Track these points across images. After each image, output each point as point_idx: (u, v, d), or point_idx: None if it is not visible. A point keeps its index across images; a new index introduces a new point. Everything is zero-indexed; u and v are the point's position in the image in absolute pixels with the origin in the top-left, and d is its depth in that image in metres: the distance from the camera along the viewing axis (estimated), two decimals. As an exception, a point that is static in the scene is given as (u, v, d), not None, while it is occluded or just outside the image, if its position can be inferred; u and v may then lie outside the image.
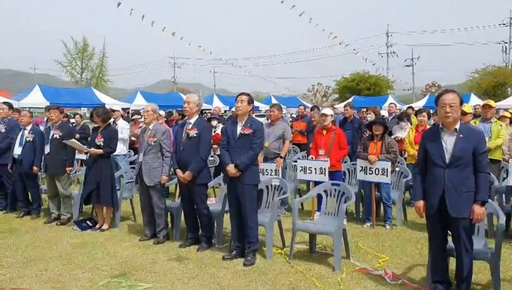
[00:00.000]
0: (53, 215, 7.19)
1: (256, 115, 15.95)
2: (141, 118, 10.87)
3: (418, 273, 4.82)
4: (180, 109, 13.94)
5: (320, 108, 10.36)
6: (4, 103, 8.38)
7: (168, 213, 6.32)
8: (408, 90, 58.92)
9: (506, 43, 47.23)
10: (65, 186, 7.08)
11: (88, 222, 6.89)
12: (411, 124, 9.55)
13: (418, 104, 27.61)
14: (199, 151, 5.55)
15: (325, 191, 5.73)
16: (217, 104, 26.78)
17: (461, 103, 3.99)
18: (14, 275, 4.89)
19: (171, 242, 6.01)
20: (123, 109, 16.53)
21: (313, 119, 8.82)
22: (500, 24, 48.55)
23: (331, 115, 7.29)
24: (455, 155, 3.85)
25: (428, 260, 4.31)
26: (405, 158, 8.49)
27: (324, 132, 7.22)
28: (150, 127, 6.12)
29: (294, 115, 14.10)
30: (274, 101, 31.45)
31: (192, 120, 5.69)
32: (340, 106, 29.23)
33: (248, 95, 5.47)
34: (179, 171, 5.62)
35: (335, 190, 5.64)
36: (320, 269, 4.97)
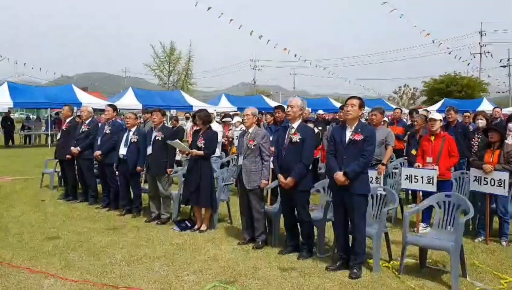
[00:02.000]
0: (153, 215, 7.39)
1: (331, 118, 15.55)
2: (231, 121, 11.03)
3: (552, 300, 4.29)
4: (269, 112, 13.98)
5: (420, 111, 9.79)
6: (109, 105, 8.80)
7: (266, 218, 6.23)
8: (503, 92, 54.85)
9: None
10: (166, 186, 7.26)
11: (186, 222, 6.99)
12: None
13: (517, 108, 25.63)
14: (301, 156, 5.38)
15: (437, 203, 5.32)
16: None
17: None
18: (123, 273, 5.03)
19: (270, 247, 5.91)
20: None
21: (415, 123, 8.32)
22: None
23: (440, 120, 6.82)
24: None
25: None
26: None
27: (432, 138, 6.76)
28: (250, 130, 6.07)
29: (386, 119, 13.48)
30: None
31: (295, 125, 5.53)
32: (430, 109, 27.91)
33: (359, 98, 5.19)
34: (281, 177, 5.50)
35: (449, 202, 5.21)
36: (434, 286, 4.61)
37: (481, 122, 8.10)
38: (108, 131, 8.18)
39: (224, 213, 7.50)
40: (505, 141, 6.26)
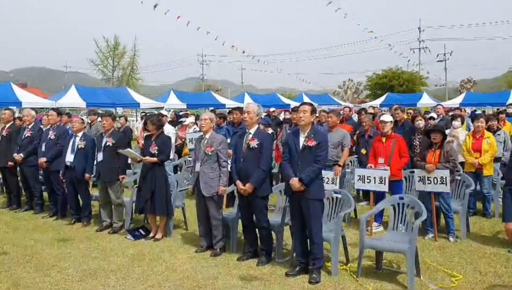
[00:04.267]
0: (105, 223, 7.13)
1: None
2: (186, 121, 10.84)
3: (499, 296, 4.53)
4: (220, 110, 13.89)
5: (370, 110, 10.04)
6: (53, 109, 8.40)
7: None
8: (440, 86, 57.53)
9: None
10: (118, 194, 7.02)
11: (140, 230, 6.80)
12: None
13: (454, 101, 26.87)
14: (260, 162, 5.37)
15: (391, 205, 5.47)
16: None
17: None
18: (77, 290, 4.82)
19: (228, 254, 5.86)
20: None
21: (363, 124, 8.52)
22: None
23: (391, 121, 7.01)
24: None
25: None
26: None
27: (384, 139, 6.95)
28: (207, 136, 5.97)
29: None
30: (305, 98, 31.08)
31: (252, 130, 5.51)
32: (373, 103, 28.78)
33: (311, 104, 5.26)
34: (239, 183, 5.45)
35: (403, 204, 5.37)
36: (391, 288, 4.73)
37: (421, 123, 8.42)
38: (52, 137, 7.80)
39: (180, 219, 7.36)
40: (444, 141, 6.53)
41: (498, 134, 8.60)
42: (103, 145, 6.95)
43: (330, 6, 28.10)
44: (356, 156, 9.07)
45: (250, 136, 5.48)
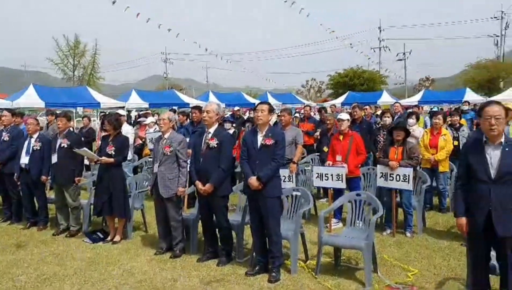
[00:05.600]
0: (62, 227, 6.93)
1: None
2: (145, 121, 10.65)
3: (451, 288, 4.66)
4: (183, 109, 13.70)
5: (326, 106, 10.17)
6: (7, 110, 8.08)
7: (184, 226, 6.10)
8: (400, 84, 58.95)
9: (498, 36, 47.30)
10: (74, 197, 6.83)
11: (99, 233, 6.65)
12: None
13: (413, 99, 27.63)
14: (219, 162, 5.34)
15: (349, 201, 5.55)
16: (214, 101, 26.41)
17: (507, 114, 3.81)
18: (30, 297, 4.65)
19: (188, 255, 5.80)
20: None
21: (327, 121, 8.63)
22: (492, 18, 48.59)
23: (348, 119, 7.12)
24: (501, 170, 3.67)
25: (467, 277, 4.15)
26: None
27: (341, 137, 7.05)
28: (166, 136, 5.89)
29: (297, 115, 13.90)
30: (270, 97, 31.22)
31: (212, 130, 5.46)
32: (335, 102, 29.25)
33: (268, 104, 5.28)
34: (199, 183, 5.40)
35: (360, 200, 5.46)
36: (350, 285, 4.79)
37: (388, 120, 8.57)
38: (6, 138, 7.52)
39: (139, 221, 7.23)
40: (406, 139, 6.67)
41: (463, 130, 8.85)
42: (57, 146, 6.75)
43: (294, 6, 28.31)
44: (318, 154, 9.18)
45: (210, 135, 5.44)
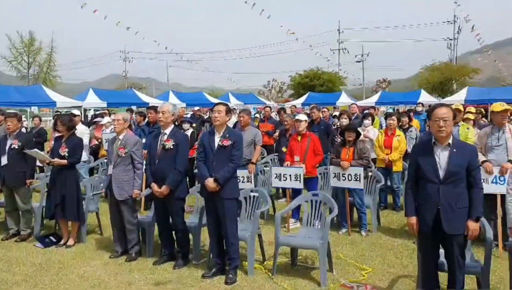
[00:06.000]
0: (12, 231, 6.67)
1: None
2: (102, 121, 10.40)
3: (404, 286, 4.78)
4: (140, 109, 13.50)
5: (286, 107, 10.25)
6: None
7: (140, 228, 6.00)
8: (359, 85, 60.23)
9: (451, 40, 49.03)
10: (25, 200, 6.59)
11: (51, 237, 6.44)
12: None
13: (370, 100, 28.31)
14: (176, 163, 5.27)
15: (305, 201, 5.61)
16: (174, 101, 26.11)
17: (454, 116, 3.96)
18: (-25, 306, 4.45)
19: (144, 258, 5.70)
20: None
21: (285, 123, 8.70)
22: (445, 22, 50.32)
23: (305, 120, 7.21)
24: (449, 171, 3.81)
25: (417, 274, 4.27)
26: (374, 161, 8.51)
27: (299, 138, 7.13)
28: (120, 137, 5.77)
29: (258, 115, 13.95)
30: (231, 97, 31.27)
31: (168, 131, 5.39)
32: (295, 102, 29.57)
33: (225, 105, 5.28)
34: (154, 185, 5.32)
35: (316, 200, 5.53)
36: (305, 285, 4.84)
37: (345, 121, 8.72)
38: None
39: (94, 224, 7.06)
40: (357, 140, 6.83)
41: (410, 131, 9.18)
42: (7, 147, 6.48)
43: (255, 8, 28.60)
44: (277, 154, 9.24)
45: (165, 136, 5.37)
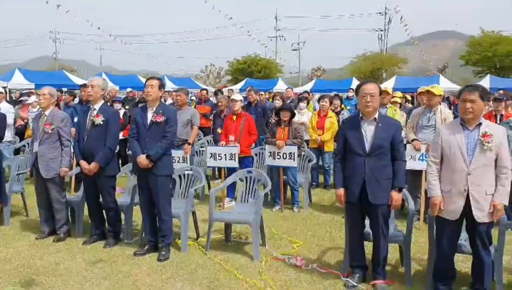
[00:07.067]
0: None
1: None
2: (28, 100, 9.86)
3: (332, 257, 4.98)
4: (71, 90, 12.87)
5: (224, 92, 10.25)
6: None
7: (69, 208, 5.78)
8: (295, 73, 61.24)
9: (382, 31, 51.00)
10: None
11: (-30, 220, 6.04)
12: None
13: (305, 88, 28.92)
14: (105, 140, 5.11)
15: (240, 178, 5.67)
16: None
17: (380, 93, 4.14)
18: None
19: (73, 239, 5.52)
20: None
21: (220, 104, 8.69)
22: (377, 13, 52.21)
23: (241, 100, 7.25)
24: (375, 144, 3.99)
25: (345, 245, 4.46)
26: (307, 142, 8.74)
27: (234, 117, 7.15)
28: (47, 113, 5.50)
29: (194, 98, 13.84)
30: (167, 81, 30.63)
31: (97, 106, 5.21)
32: (233, 88, 29.55)
33: (158, 79, 5.15)
34: (83, 163, 5.14)
35: (251, 177, 5.60)
36: (239, 259, 4.91)
37: (278, 102, 8.86)
38: None
39: (19, 206, 6.71)
40: (292, 120, 6.99)
41: (343, 114, 9.49)
42: None
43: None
44: (212, 135, 9.23)
45: (95, 112, 5.18)
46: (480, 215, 3.66)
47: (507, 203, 3.74)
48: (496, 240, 4.00)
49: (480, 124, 3.70)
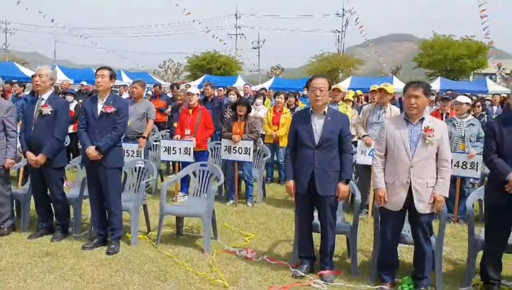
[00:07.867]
0: None
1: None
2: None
3: (283, 249, 5.06)
4: (22, 81, 12.44)
5: (181, 86, 10.18)
6: None
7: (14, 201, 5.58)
8: (255, 71, 61.41)
9: (340, 32, 51.95)
10: None
11: None
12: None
13: (264, 85, 29.12)
14: (54, 130, 4.96)
15: (193, 172, 5.65)
16: (61, 78, 24.41)
17: (330, 87, 4.24)
18: None
19: (19, 233, 5.32)
20: None
21: (178, 97, 8.61)
22: (336, 14, 53.12)
23: (197, 94, 7.22)
24: (324, 137, 4.09)
25: (295, 237, 4.54)
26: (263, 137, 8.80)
27: (190, 111, 7.11)
28: (-10, 102, 5.27)
29: (150, 92, 13.62)
30: (124, 76, 30.05)
31: (45, 96, 5.04)
32: (192, 84, 29.36)
33: (109, 69, 5.05)
34: (30, 154, 4.96)
35: (204, 171, 5.59)
36: (189, 252, 4.90)
37: (233, 97, 8.88)
38: None
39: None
40: (248, 114, 7.03)
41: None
42: None
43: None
44: (168, 130, 9.14)
45: (43, 102, 5.01)
46: (422, 206, 3.82)
47: (447, 195, 3.92)
48: (437, 231, 4.19)
49: (423, 119, 3.87)
